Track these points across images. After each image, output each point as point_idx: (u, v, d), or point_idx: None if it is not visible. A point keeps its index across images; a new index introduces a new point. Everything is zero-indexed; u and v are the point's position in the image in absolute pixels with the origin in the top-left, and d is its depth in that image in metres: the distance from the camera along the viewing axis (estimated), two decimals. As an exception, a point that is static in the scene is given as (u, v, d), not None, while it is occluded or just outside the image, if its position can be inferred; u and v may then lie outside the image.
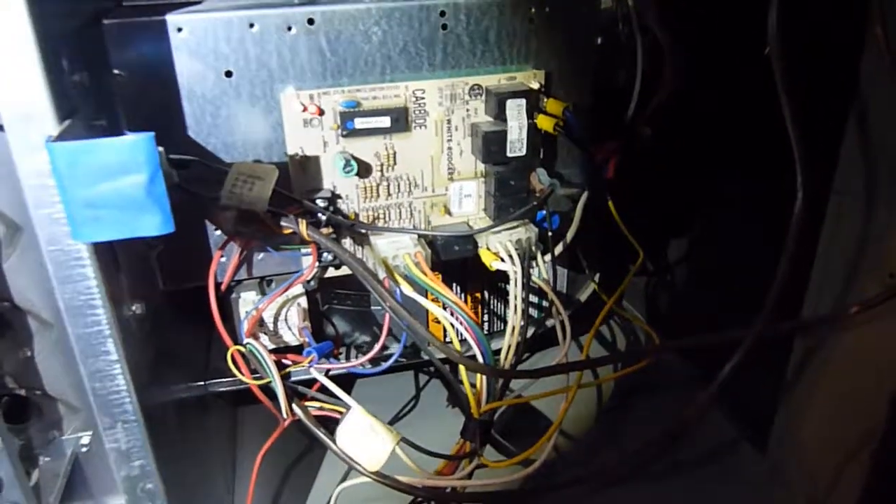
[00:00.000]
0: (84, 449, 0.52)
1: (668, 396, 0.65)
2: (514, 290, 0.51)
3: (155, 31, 0.45)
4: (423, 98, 0.50)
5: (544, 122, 0.51)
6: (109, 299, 0.39)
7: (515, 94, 0.50)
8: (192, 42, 0.45)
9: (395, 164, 0.52)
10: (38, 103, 0.34)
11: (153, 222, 0.33)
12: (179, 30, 0.45)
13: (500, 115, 0.50)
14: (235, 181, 0.42)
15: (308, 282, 0.53)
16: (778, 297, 0.45)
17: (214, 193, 0.43)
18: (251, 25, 0.46)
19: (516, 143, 0.50)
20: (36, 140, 0.34)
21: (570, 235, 0.55)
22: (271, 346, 0.53)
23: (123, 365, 0.41)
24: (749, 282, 0.51)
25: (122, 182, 0.32)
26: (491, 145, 0.51)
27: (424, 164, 0.53)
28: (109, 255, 0.41)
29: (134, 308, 0.45)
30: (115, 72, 0.44)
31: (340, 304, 0.60)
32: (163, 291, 0.52)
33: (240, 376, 0.49)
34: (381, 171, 0.52)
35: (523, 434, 0.55)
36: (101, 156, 0.31)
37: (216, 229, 0.50)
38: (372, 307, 0.60)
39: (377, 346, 0.53)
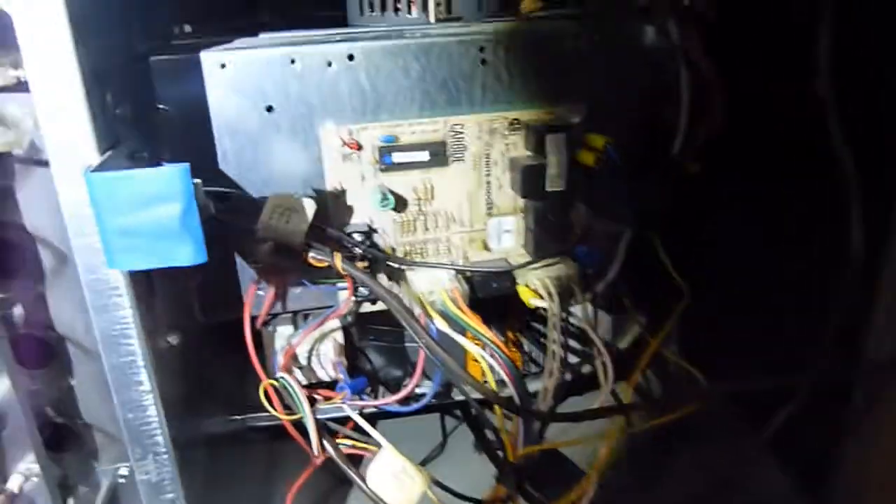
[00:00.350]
0: (122, 480, 0.52)
1: (713, 443, 0.61)
2: (553, 328, 0.49)
3: (199, 68, 0.46)
4: (461, 132, 0.50)
5: (585, 157, 0.50)
6: (144, 330, 0.39)
7: (555, 129, 0.49)
8: (234, 78, 0.46)
9: (432, 198, 0.51)
10: (81, 136, 0.35)
11: (186, 252, 0.33)
12: (223, 66, 0.46)
13: (540, 150, 0.49)
14: (272, 213, 0.42)
15: (344, 317, 0.52)
16: (835, 340, 0.43)
17: (252, 226, 0.43)
18: (292, 62, 0.47)
19: (556, 177, 0.49)
20: (77, 171, 0.34)
21: (612, 273, 0.54)
22: (305, 382, 0.53)
23: (156, 396, 0.41)
24: (805, 321, 0.48)
25: (157, 211, 0.32)
26: (530, 180, 0.50)
27: (462, 199, 0.52)
28: (146, 286, 0.41)
29: (170, 339, 0.45)
30: (160, 106, 0.45)
31: (375, 341, 0.59)
32: (201, 324, 0.52)
33: (272, 411, 0.48)
34: (419, 205, 0.51)
35: (549, 481, 0.53)
36: (137, 185, 0.32)
37: (253, 262, 0.50)
38: (406, 344, 0.59)
39: (410, 385, 0.52)
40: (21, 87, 0.37)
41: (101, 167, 0.33)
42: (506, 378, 0.47)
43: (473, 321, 0.48)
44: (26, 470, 0.46)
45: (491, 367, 0.47)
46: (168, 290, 0.45)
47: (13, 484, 0.45)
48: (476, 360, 0.49)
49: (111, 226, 0.32)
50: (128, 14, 0.44)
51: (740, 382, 0.58)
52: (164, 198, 0.32)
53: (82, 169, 0.34)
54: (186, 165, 0.32)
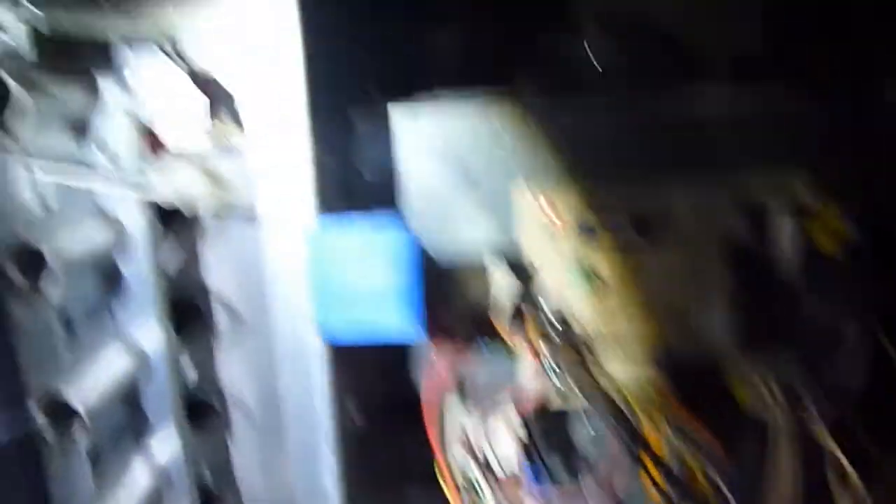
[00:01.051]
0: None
1: None
2: (778, 440, 0.41)
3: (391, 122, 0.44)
4: (670, 209, 0.44)
5: (823, 240, 0.43)
6: (334, 403, 0.36)
7: (785, 208, 0.43)
8: (425, 132, 0.44)
9: (635, 278, 0.46)
10: (301, 194, 0.33)
11: (405, 328, 0.30)
12: (414, 119, 0.44)
13: (765, 232, 0.43)
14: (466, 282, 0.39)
15: (520, 400, 0.47)
16: None
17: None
18: (488, 116, 0.44)
19: (782, 267, 0.43)
20: (292, 230, 0.32)
21: (857, 383, 0.45)
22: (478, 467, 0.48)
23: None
24: None
25: (378, 280, 0.29)
26: (749, 267, 0.43)
27: (669, 281, 0.46)
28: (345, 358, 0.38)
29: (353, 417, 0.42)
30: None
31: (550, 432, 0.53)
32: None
33: (450, 496, 0.43)
34: (618, 286, 0.46)
35: None
36: (360, 249, 0.29)
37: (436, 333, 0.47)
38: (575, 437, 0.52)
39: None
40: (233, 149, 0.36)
41: (320, 228, 0.30)
42: (725, 489, 0.40)
43: (687, 420, 0.41)
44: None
45: (706, 474, 0.40)
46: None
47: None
48: (689, 466, 0.42)
49: (328, 292, 0.30)
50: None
51: None
52: (390, 267, 0.29)
53: (300, 228, 0.32)
54: (415, 236, 0.29)
